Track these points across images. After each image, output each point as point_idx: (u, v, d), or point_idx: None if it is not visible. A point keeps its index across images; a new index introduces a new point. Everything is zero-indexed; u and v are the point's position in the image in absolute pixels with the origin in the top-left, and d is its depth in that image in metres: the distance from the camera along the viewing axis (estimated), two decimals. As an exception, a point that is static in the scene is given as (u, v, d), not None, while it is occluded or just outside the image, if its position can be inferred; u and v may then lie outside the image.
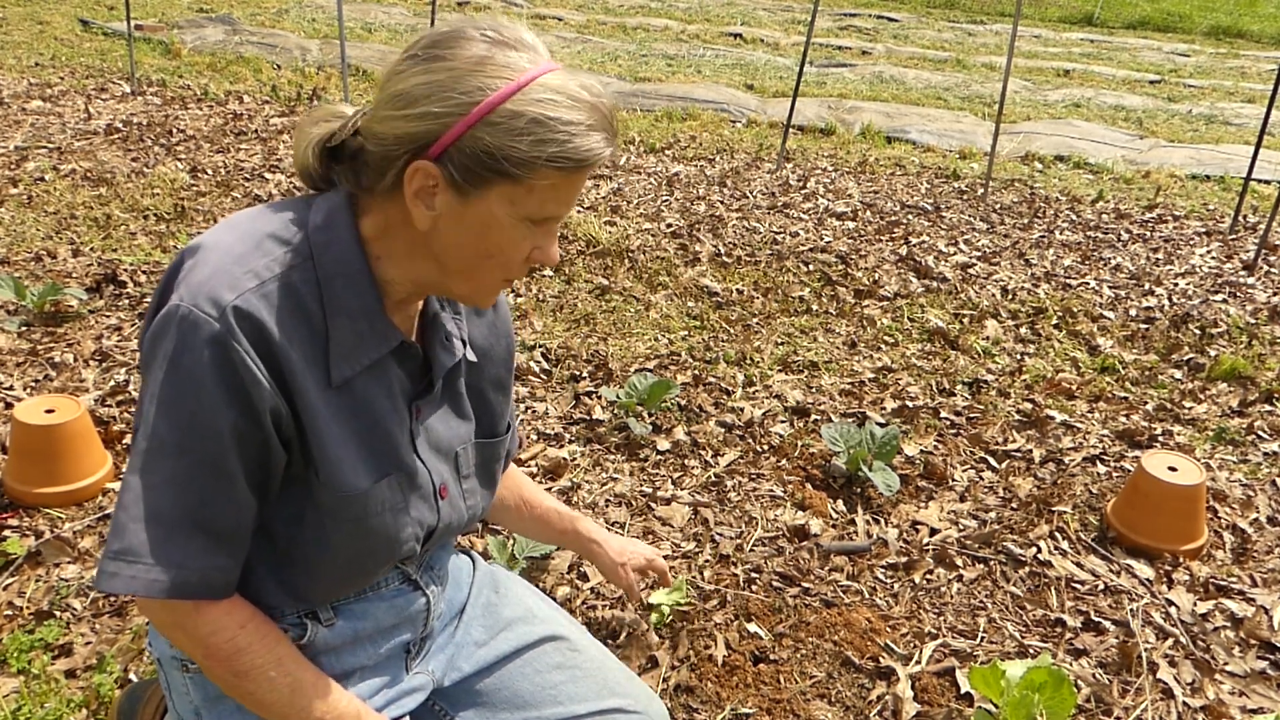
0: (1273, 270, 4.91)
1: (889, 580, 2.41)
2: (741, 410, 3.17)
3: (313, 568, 1.13)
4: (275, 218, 1.07)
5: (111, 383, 3.04)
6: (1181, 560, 2.52)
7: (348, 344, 1.07)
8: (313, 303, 1.05)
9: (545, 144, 0.98)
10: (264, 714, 1.12)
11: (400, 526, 1.15)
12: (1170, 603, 2.37)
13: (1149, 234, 5.42)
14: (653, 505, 2.64)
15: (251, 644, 1.08)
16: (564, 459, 2.81)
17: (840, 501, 2.72)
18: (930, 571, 2.44)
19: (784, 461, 2.91)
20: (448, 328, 1.20)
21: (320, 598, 1.17)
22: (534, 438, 2.95)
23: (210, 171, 5.26)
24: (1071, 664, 2.16)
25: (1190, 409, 3.40)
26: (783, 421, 3.15)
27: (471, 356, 1.24)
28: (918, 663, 2.13)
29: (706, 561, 2.42)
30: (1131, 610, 2.34)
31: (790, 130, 6.62)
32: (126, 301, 3.65)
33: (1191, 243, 5.31)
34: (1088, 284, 4.59)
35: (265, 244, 1.04)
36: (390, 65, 1.04)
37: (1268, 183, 6.51)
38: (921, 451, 3.00)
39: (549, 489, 2.68)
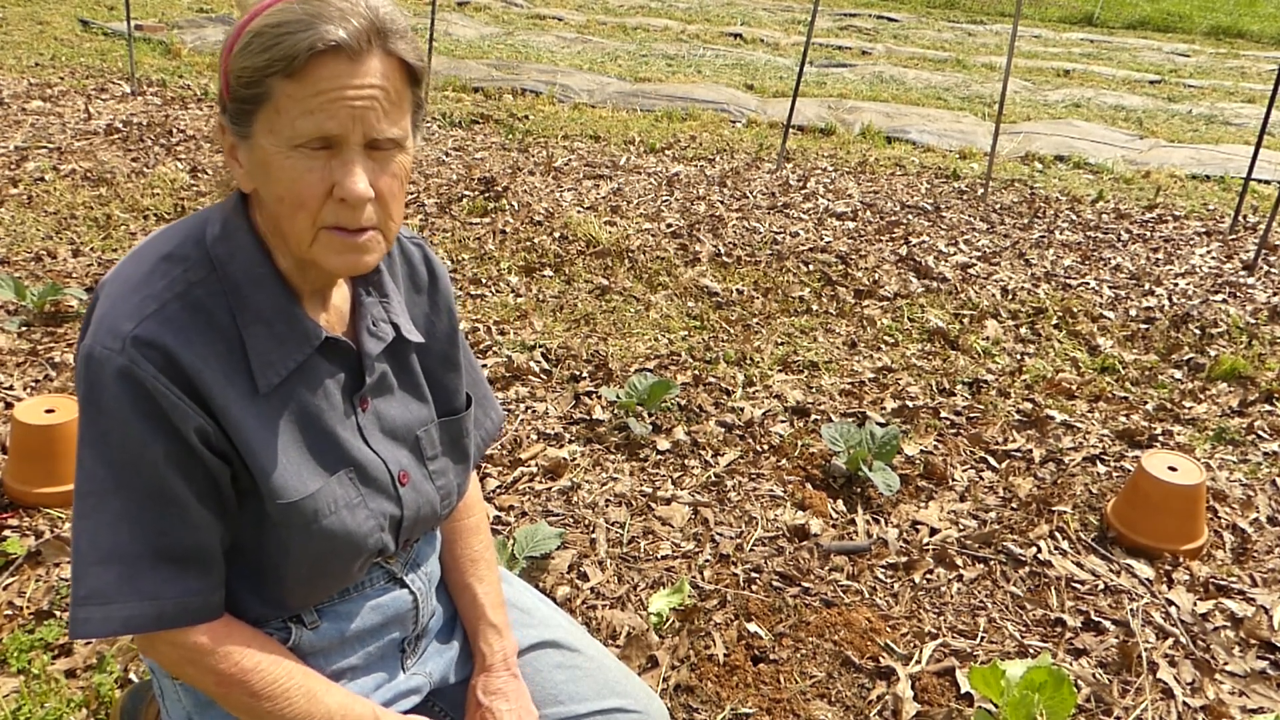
0: (1273, 270, 4.91)
1: (889, 580, 2.41)
2: (741, 410, 3.17)
3: (282, 575, 1.11)
4: (172, 237, 1.06)
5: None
6: (1181, 560, 2.52)
7: (268, 350, 1.05)
8: (223, 315, 1.03)
9: (264, 52, 0.94)
10: None
11: (359, 523, 1.13)
12: (1170, 603, 2.37)
13: (1149, 234, 5.42)
14: (653, 505, 2.65)
15: (259, 663, 1.08)
16: (564, 459, 2.81)
17: (840, 501, 2.72)
18: (930, 571, 2.44)
19: (784, 461, 2.91)
20: (373, 313, 1.17)
21: (298, 603, 1.16)
22: (534, 438, 2.95)
23: (210, 171, 5.25)
24: (1071, 664, 2.16)
25: (1190, 409, 3.40)
26: (783, 421, 3.15)
27: (418, 337, 1.21)
28: (918, 663, 2.13)
29: (706, 561, 2.42)
30: (1131, 610, 2.34)
31: (790, 130, 6.61)
32: (126, 301, 3.65)
33: (1191, 243, 5.31)
34: (1088, 284, 4.59)
35: (160, 266, 1.03)
36: None
37: (1268, 183, 6.51)
38: (921, 451, 3.00)
39: (549, 489, 2.69)
